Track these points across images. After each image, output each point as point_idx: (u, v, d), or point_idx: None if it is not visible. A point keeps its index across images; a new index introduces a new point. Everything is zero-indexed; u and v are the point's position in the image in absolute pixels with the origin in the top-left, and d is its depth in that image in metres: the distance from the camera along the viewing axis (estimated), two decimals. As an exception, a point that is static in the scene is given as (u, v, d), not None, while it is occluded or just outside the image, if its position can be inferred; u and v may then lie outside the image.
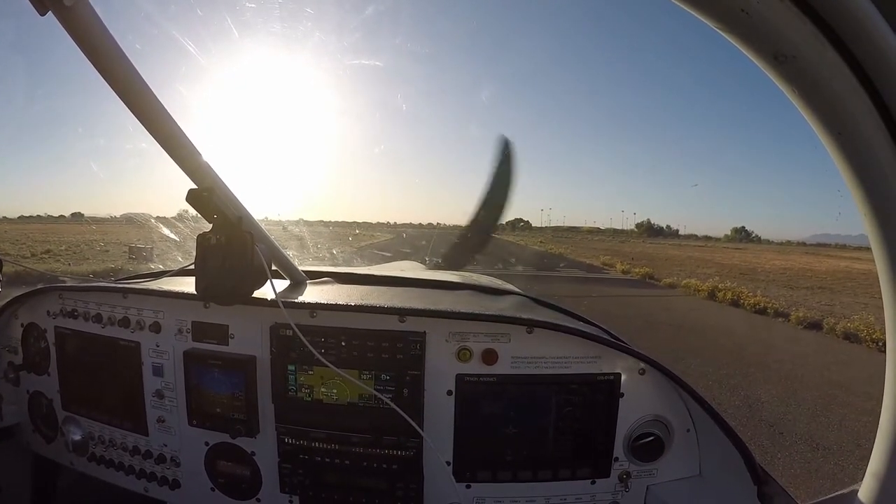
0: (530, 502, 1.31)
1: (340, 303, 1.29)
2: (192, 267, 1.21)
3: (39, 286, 1.57)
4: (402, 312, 1.27)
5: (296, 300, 1.32)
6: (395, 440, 1.26)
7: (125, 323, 1.44)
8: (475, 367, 1.28)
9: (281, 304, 1.21)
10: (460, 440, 1.30)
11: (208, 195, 1.11)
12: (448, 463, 1.29)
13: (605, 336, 1.34)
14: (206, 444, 1.40)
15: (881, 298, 0.75)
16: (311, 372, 1.28)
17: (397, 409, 1.21)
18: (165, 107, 1.00)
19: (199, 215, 1.18)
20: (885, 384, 0.80)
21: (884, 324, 0.77)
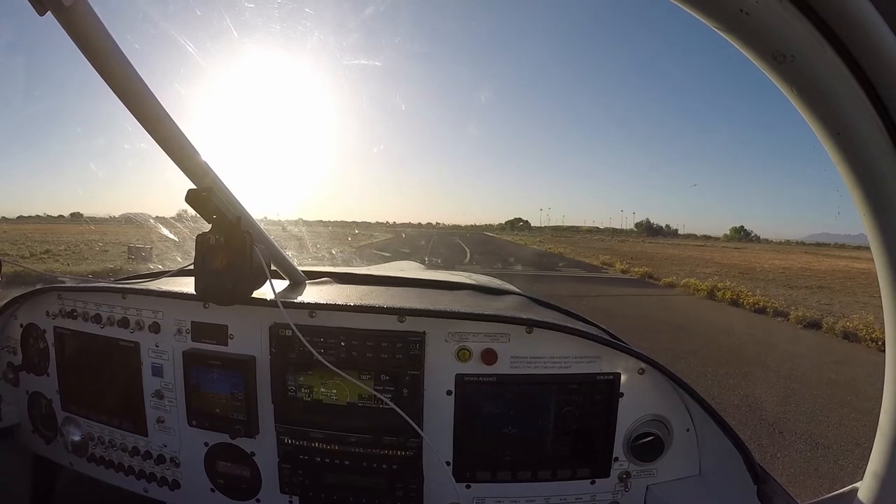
0: (530, 502, 1.31)
1: (339, 303, 1.29)
2: (192, 267, 1.21)
3: (38, 286, 1.57)
4: (401, 312, 1.27)
5: (295, 300, 1.32)
6: (395, 440, 1.26)
7: (124, 323, 1.44)
8: (475, 366, 1.28)
9: (280, 305, 1.21)
10: (460, 440, 1.30)
11: (207, 195, 1.11)
12: (448, 463, 1.29)
13: (604, 336, 1.34)
14: (206, 444, 1.40)
15: (880, 297, 0.75)
16: (310, 372, 1.28)
17: (397, 409, 1.21)
18: (164, 107, 1.00)
19: (198, 215, 1.18)
20: (885, 383, 0.80)
21: (883, 323, 0.77)
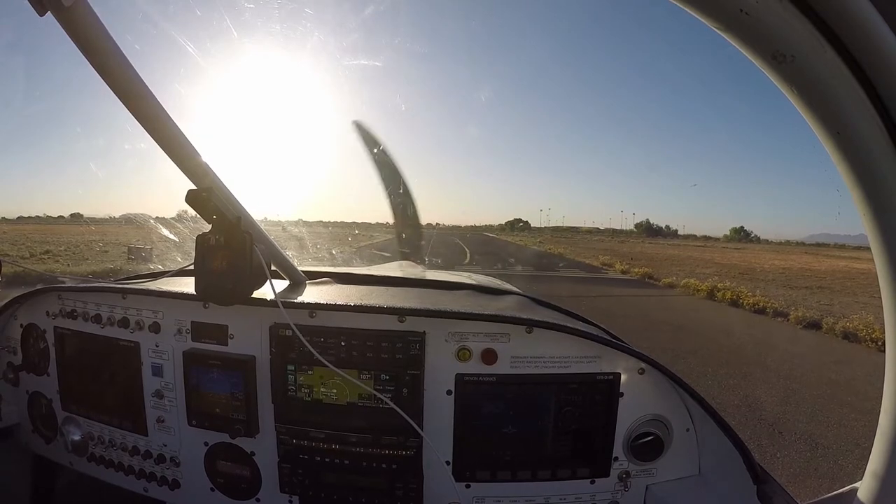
0: (530, 502, 1.31)
1: (340, 303, 1.29)
2: (192, 267, 1.21)
3: (39, 287, 1.57)
4: (401, 312, 1.27)
5: (295, 300, 1.32)
6: (395, 440, 1.26)
7: (124, 323, 1.44)
8: (475, 366, 1.28)
9: (280, 305, 1.21)
10: (460, 440, 1.30)
11: (207, 195, 1.11)
12: (448, 462, 1.29)
13: (604, 336, 1.34)
14: (206, 444, 1.40)
15: (880, 298, 0.75)
16: (310, 372, 1.28)
17: (397, 408, 1.21)
18: (164, 107, 1.00)
19: (198, 216, 1.18)
20: (885, 383, 0.80)
21: (883, 323, 0.77)
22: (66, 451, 1.52)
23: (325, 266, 2.08)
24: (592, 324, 1.54)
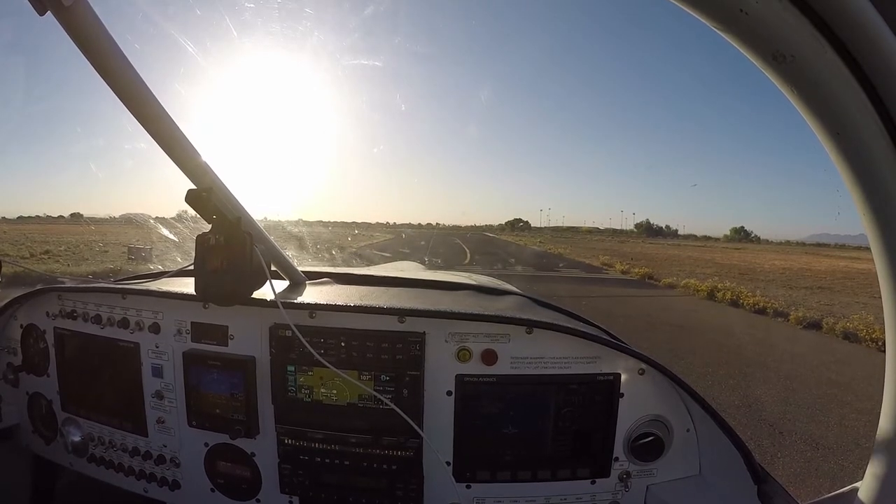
0: (530, 502, 1.31)
1: (340, 303, 1.29)
2: (192, 267, 1.21)
3: (38, 287, 1.57)
4: (401, 313, 1.27)
5: (295, 301, 1.32)
6: (395, 440, 1.26)
7: (124, 324, 1.44)
8: (475, 367, 1.28)
9: (280, 305, 1.21)
10: (460, 440, 1.30)
11: (207, 195, 1.11)
12: (448, 463, 1.29)
13: (604, 336, 1.34)
14: (206, 444, 1.40)
15: (880, 298, 0.75)
16: (310, 372, 1.28)
17: (397, 409, 1.21)
18: (164, 107, 1.00)
19: (198, 216, 1.18)
20: (885, 383, 0.80)
21: (883, 323, 0.77)
22: (66, 452, 1.52)
23: (325, 266, 2.08)
24: (592, 324, 1.54)
